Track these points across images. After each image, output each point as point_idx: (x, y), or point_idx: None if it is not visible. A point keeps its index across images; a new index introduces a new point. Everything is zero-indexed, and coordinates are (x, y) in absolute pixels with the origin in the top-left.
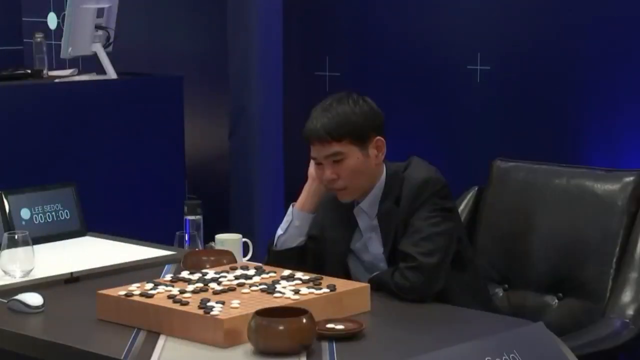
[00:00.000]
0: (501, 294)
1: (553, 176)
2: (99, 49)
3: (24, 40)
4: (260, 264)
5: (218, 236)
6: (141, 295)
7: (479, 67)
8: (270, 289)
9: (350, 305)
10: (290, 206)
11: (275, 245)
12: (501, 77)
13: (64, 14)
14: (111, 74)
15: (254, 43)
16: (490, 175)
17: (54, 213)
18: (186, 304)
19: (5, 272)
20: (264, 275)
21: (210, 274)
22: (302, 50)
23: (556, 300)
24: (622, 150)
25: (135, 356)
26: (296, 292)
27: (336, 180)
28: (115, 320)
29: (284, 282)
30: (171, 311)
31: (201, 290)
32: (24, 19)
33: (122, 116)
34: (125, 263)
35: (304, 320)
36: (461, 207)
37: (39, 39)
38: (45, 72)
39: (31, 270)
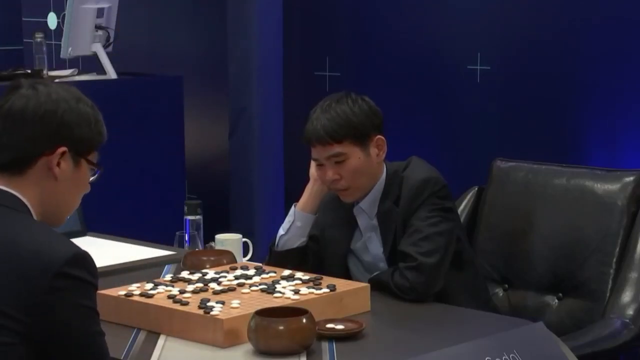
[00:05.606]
0: (501, 294)
1: (553, 176)
2: (99, 49)
3: (24, 40)
4: (260, 264)
5: (218, 236)
6: (141, 295)
7: (479, 67)
8: (270, 289)
9: (350, 305)
10: (292, 207)
11: (277, 245)
12: (501, 77)
13: (64, 14)
14: (111, 74)
15: (253, 43)
16: (490, 175)
17: None
18: (186, 304)
19: None
20: (264, 275)
21: (210, 274)
22: (302, 50)
23: (556, 300)
24: (622, 150)
25: (135, 356)
26: (296, 292)
27: (339, 181)
28: (115, 320)
29: (284, 282)
30: (171, 311)
31: (201, 290)
32: (24, 19)
33: (122, 116)
34: (125, 263)
35: (304, 320)
36: (461, 207)
37: (39, 39)
38: (45, 72)
39: None
